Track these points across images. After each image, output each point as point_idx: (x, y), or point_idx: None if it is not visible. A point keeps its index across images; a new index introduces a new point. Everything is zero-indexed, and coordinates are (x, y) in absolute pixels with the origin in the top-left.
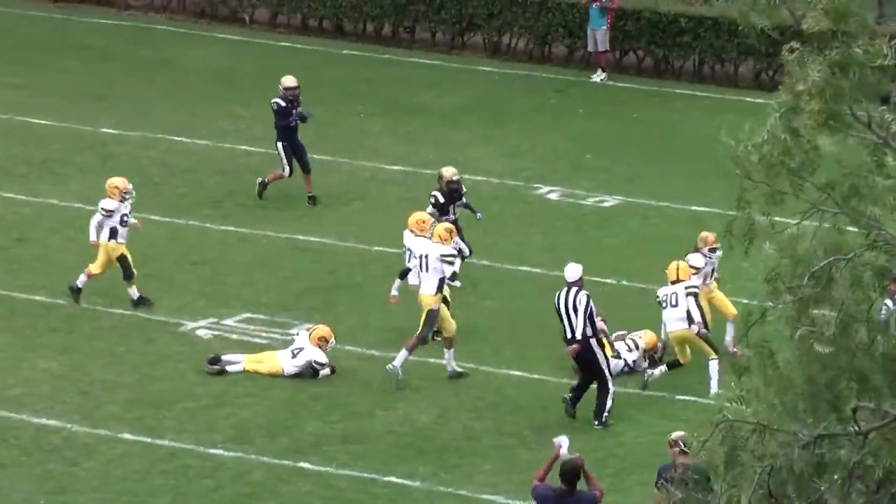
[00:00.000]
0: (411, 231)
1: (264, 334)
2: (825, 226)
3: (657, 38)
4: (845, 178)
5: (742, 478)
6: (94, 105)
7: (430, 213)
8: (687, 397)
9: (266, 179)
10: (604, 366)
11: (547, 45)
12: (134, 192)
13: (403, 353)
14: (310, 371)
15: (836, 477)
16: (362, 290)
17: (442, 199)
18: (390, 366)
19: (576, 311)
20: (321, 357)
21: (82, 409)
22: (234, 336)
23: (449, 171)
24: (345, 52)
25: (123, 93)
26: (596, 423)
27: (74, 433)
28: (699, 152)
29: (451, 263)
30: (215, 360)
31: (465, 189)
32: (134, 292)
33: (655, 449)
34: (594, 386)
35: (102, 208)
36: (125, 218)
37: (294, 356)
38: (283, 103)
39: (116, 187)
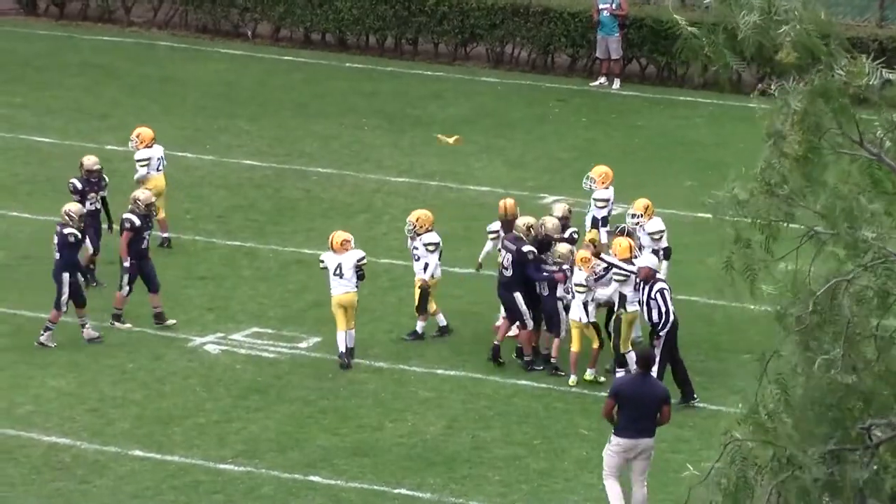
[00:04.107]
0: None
1: (272, 348)
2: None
3: (660, 45)
4: (838, 202)
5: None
6: (97, 122)
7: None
8: (698, 405)
9: None
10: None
11: (549, 54)
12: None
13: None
14: (361, 274)
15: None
16: (369, 303)
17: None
18: None
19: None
20: (358, 255)
21: (92, 426)
22: (243, 351)
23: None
24: (347, 64)
25: (127, 110)
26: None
27: (84, 450)
28: (704, 159)
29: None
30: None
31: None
32: (420, 326)
33: (665, 456)
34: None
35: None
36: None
37: (342, 276)
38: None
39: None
